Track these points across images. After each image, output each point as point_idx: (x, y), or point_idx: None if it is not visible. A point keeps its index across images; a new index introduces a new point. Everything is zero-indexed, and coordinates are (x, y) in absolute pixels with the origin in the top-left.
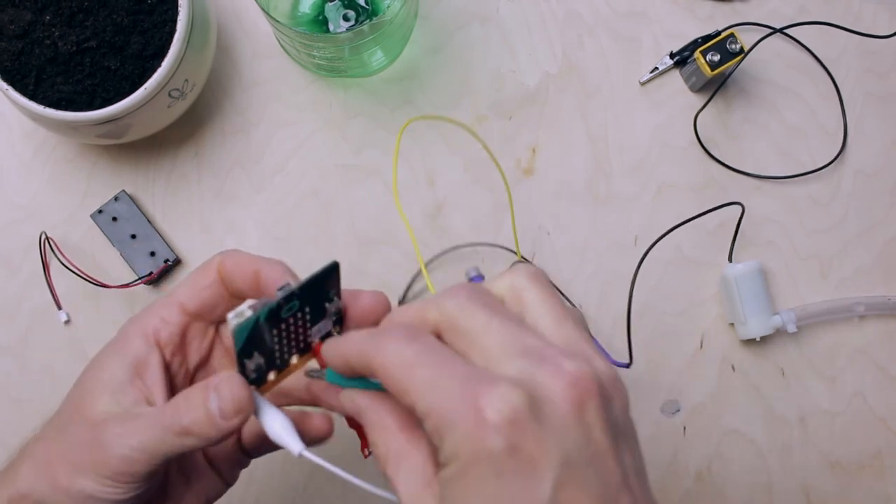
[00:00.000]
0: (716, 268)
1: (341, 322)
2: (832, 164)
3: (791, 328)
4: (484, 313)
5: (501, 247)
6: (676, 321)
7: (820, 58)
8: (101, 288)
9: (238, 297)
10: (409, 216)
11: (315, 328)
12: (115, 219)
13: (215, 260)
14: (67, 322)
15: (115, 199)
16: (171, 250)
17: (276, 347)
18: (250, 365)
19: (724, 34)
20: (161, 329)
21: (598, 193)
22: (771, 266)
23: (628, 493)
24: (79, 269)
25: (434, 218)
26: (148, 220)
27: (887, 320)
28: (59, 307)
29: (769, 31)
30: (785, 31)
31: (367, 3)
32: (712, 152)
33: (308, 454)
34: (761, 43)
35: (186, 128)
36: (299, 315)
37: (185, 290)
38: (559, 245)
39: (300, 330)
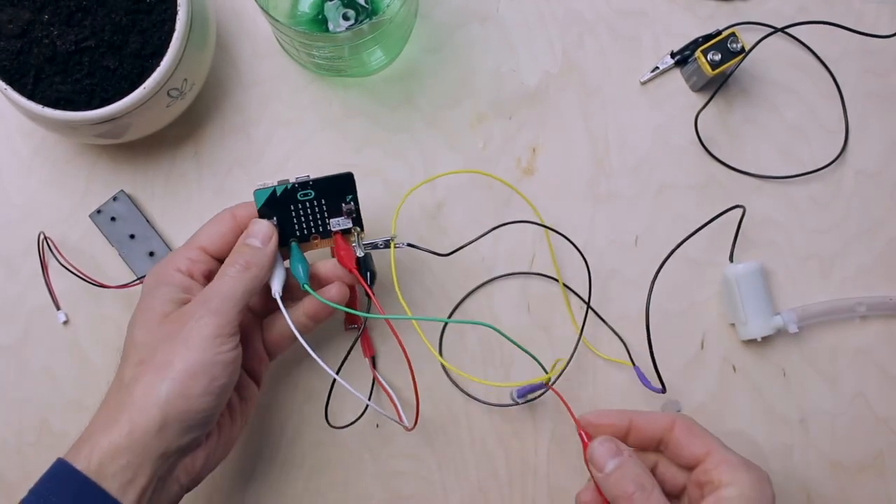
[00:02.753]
0: (717, 268)
1: (360, 224)
2: (833, 164)
3: (792, 328)
4: None
5: (539, 274)
6: (677, 321)
7: (821, 57)
8: (99, 288)
9: None
10: (409, 216)
11: (334, 220)
12: (113, 219)
13: (227, 211)
14: (66, 322)
15: (114, 198)
16: (171, 250)
17: (296, 222)
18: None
19: (725, 33)
20: (192, 267)
21: (598, 193)
22: (772, 266)
23: None
24: (77, 270)
25: (434, 218)
26: (147, 220)
27: (889, 321)
28: (58, 307)
29: (770, 30)
30: (786, 30)
31: (366, 2)
32: (713, 152)
33: (279, 300)
34: (762, 42)
35: (185, 127)
36: (316, 204)
37: (204, 236)
38: (560, 244)
39: (318, 217)
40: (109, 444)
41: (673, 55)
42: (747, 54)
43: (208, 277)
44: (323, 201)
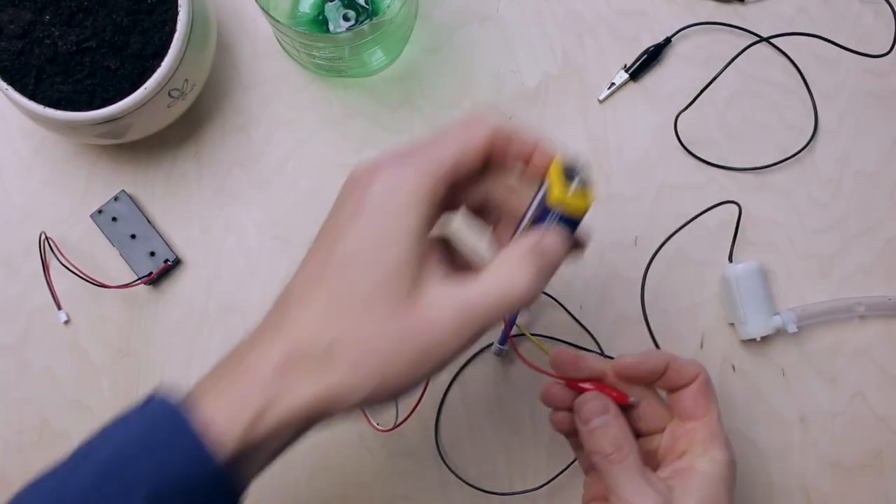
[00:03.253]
0: (716, 268)
1: None
2: (833, 164)
3: (791, 328)
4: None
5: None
6: (676, 321)
7: (821, 56)
8: (100, 288)
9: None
10: None
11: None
12: (114, 219)
13: (482, 130)
14: (67, 322)
15: (115, 198)
16: (171, 250)
17: None
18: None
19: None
20: (439, 196)
21: (597, 193)
22: (771, 266)
23: None
24: (78, 270)
25: None
26: (147, 220)
27: (888, 320)
28: (59, 307)
29: (756, 39)
30: (770, 40)
31: (367, 2)
32: (711, 151)
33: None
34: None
35: (186, 127)
36: None
37: (457, 157)
38: None
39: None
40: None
41: (626, 69)
42: (730, 63)
43: (442, 207)
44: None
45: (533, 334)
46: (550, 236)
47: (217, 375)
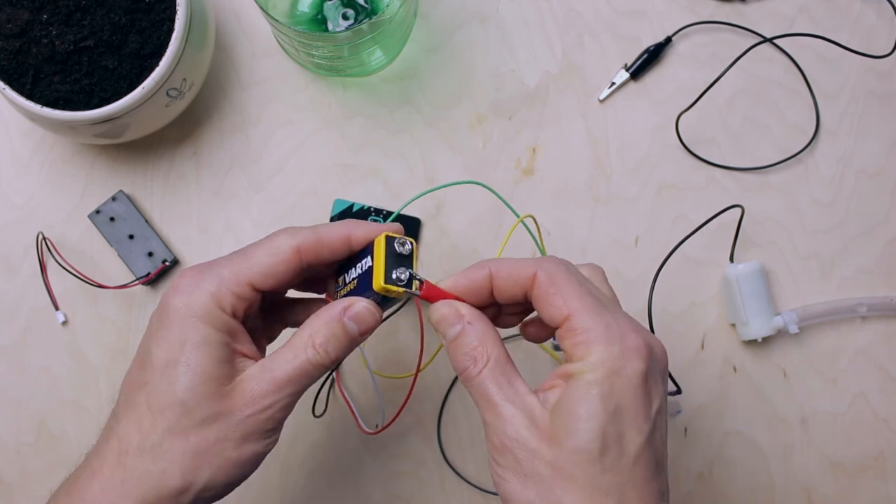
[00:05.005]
0: (717, 268)
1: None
2: (835, 164)
3: (793, 329)
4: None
5: None
6: (677, 322)
7: (823, 55)
8: (98, 288)
9: (318, 267)
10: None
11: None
12: (112, 219)
13: (288, 240)
14: (65, 323)
15: (113, 199)
16: (169, 251)
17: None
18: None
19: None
20: (237, 305)
21: (598, 193)
22: (772, 266)
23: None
24: (76, 270)
25: (434, 218)
26: (146, 221)
27: (889, 321)
28: (57, 308)
29: (759, 39)
30: (774, 40)
31: (366, 1)
32: (712, 151)
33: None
34: (758, 39)
35: (185, 127)
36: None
37: (257, 269)
38: (559, 245)
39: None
40: None
41: (627, 68)
42: (735, 62)
43: (247, 313)
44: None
45: None
46: (361, 308)
47: (70, 482)
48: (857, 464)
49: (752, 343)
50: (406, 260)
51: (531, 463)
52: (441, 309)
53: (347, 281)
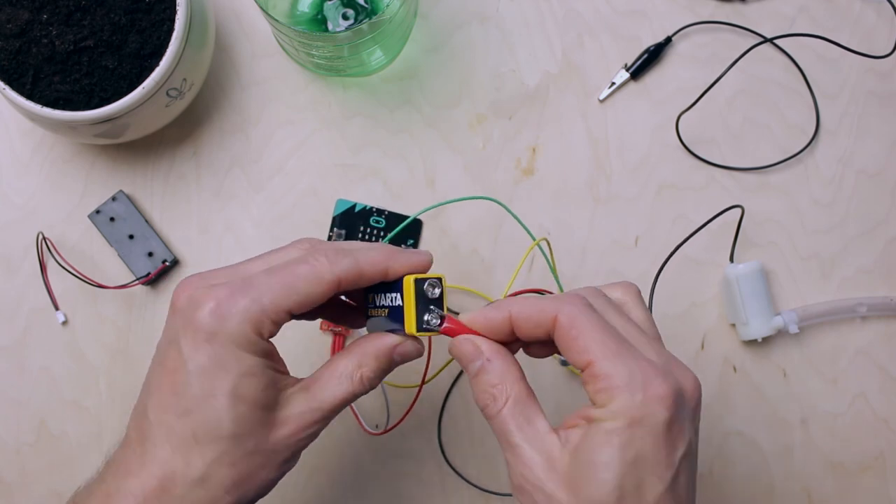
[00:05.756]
0: (717, 268)
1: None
2: (835, 164)
3: (793, 329)
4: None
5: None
6: (677, 322)
7: (823, 55)
8: (98, 288)
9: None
10: (408, 216)
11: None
12: (112, 219)
13: (328, 268)
14: (65, 323)
15: (113, 199)
16: (169, 251)
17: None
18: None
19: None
20: (273, 331)
21: (598, 193)
22: (772, 266)
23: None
24: (76, 270)
25: (434, 218)
26: (146, 221)
27: (889, 321)
28: (57, 308)
29: (760, 40)
30: (774, 40)
31: (366, 1)
32: (712, 151)
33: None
34: (758, 39)
35: (185, 127)
36: (382, 234)
37: (294, 297)
38: (559, 245)
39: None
40: None
41: (627, 68)
42: (734, 64)
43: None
44: (384, 234)
45: None
46: (412, 348)
47: (96, 500)
48: (857, 464)
49: (752, 343)
50: (436, 302)
51: None
52: (461, 346)
53: (377, 304)
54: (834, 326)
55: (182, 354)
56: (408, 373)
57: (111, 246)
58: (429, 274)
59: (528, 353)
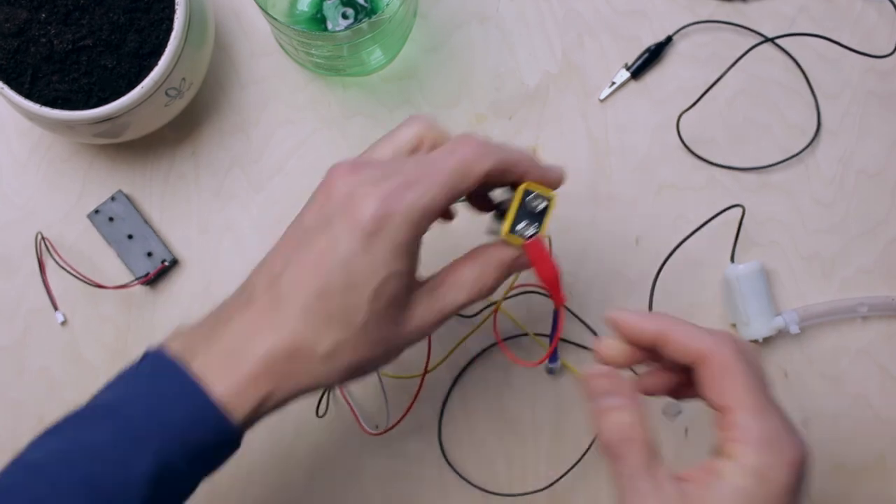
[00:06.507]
0: (718, 268)
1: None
2: (836, 163)
3: (794, 329)
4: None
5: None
6: None
7: (824, 55)
8: (97, 289)
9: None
10: None
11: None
12: (111, 219)
13: (482, 171)
14: (64, 323)
15: (112, 198)
16: (169, 251)
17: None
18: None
19: (519, 193)
20: (426, 230)
21: (598, 193)
22: (773, 266)
23: None
24: (75, 270)
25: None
26: (145, 221)
27: (891, 321)
28: (56, 308)
29: (761, 39)
30: (775, 40)
31: (365, 1)
32: (712, 150)
33: None
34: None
35: (184, 127)
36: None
37: (450, 198)
38: (559, 245)
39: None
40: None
41: (628, 67)
42: (732, 68)
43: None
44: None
45: (536, 334)
46: (521, 259)
47: (215, 352)
48: (858, 464)
49: (752, 343)
50: (537, 217)
51: None
52: (598, 383)
53: (503, 215)
54: (835, 326)
55: (336, 242)
56: (408, 366)
57: (110, 246)
58: (543, 189)
59: (643, 389)
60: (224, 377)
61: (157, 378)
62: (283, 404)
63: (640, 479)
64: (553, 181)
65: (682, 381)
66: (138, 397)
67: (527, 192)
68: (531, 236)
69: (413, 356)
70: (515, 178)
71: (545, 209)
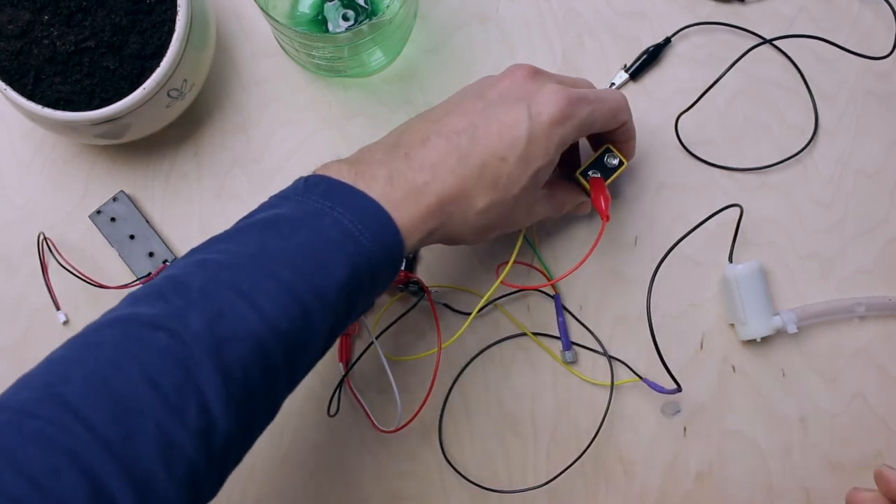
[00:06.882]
0: (716, 268)
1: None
2: (834, 164)
3: (791, 329)
4: None
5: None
6: (676, 322)
7: (821, 55)
8: (99, 289)
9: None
10: None
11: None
12: (113, 219)
13: (626, 115)
14: (66, 323)
15: (114, 199)
16: (170, 251)
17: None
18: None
19: (600, 151)
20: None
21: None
22: (771, 266)
23: None
24: (77, 270)
25: None
26: (146, 221)
27: (888, 321)
28: (58, 308)
29: (759, 41)
30: (774, 41)
31: (366, 2)
32: (711, 151)
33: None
34: (757, 40)
35: (185, 128)
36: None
37: (609, 124)
38: (559, 245)
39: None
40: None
41: (626, 69)
42: (733, 65)
43: None
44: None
45: (535, 333)
46: (585, 205)
47: (394, 186)
48: (855, 463)
49: (751, 343)
50: (607, 171)
51: None
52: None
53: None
54: (833, 326)
55: (522, 120)
56: (418, 348)
57: (112, 246)
58: (621, 155)
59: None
60: (406, 206)
61: (342, 195)
62: (432, 242)
63: None
64: (630, 154)
65: None
66: (332, 208)
67: (608, 150)
68: (594, 181)
69: (419, 347)
70: (619, 139)
71: (614, 168)
